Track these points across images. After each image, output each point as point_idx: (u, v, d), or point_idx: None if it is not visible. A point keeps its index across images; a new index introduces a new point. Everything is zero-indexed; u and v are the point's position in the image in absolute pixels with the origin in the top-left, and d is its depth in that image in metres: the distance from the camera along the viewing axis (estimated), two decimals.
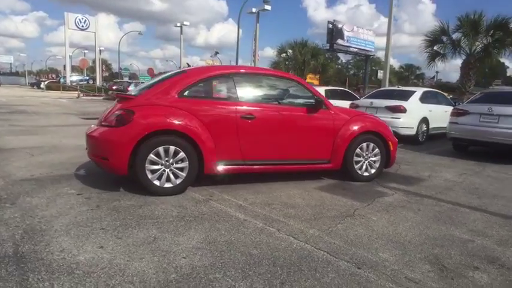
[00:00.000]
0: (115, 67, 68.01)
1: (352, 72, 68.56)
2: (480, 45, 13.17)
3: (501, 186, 4.63)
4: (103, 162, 3.60)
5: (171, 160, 3.62)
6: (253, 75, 4.25)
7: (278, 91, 4.34)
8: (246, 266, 2.25)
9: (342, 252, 2.50)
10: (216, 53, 30.67)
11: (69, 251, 2.38)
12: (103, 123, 3.70)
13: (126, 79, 35.40)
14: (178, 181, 3.66)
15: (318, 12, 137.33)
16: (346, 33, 45.99)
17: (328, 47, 34.24)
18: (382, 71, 48.30)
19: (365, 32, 50.24)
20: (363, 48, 44.42)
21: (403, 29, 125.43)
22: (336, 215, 3.25)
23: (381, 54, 46.58)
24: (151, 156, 3.54)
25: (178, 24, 27.35)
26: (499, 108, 6.13)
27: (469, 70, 13.59)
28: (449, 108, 9.22)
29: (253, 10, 20.01)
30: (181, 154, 3.63)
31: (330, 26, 46.09)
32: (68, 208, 3.20)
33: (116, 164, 3.53)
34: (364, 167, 4.50)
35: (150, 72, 34.22)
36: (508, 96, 6.63)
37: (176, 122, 3.61)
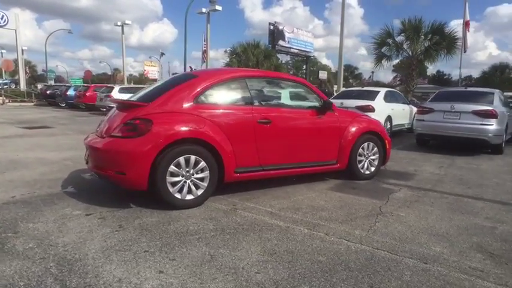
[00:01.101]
0: (38, 69, 61.86)
1: (291, 72, 71.11)
2: (421, 48, 14.62)
3: (478, 176, 5.18)
4: (118, 177, 3.26)
5: (192, 170, 3.42)
6: (264, 78, 4.20)
7: (288, 94, 4.35)
8: (325, 274, 2.23)
9: (400, 250, 2.60)
10: (162, 54, 29.55)
11: (129, 281, 2.12)
12: (113, 134, 3.35)
13: (51, 82, 32.13)
14: (199, 192, 3.47)
15: (255, 13, 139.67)
16: (287, 35, 47.48)
17: (270, 48, 35.09)
18: (323, 72, 50.59)
19: (304, 33, 52.36)
20: (303, 49, 46.27)
21: (335, 31, 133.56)
22: (367, 214, 3.36)
23: (317, 55, 48.59)
24: (172, 167, 3.31)
25: (119, 23, 25.78)
26: (460, 105, 6.88)
27: (412, 71, 15.04)
28: (406, 107, 10.08)
29: (203, 10, 19.67)
30: (202, 163, 3.44)
31: (271, 27, 47.17)
32: (88, 232, 2.85)
33: (135, 178, 3.23)
34: (365, 165, 4.71)
35: (88, 75, 31.55)
36: (465, 95, 7.48)
37: (197, 129, 3.42)
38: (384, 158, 4.91)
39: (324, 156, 4.37)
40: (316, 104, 4.33)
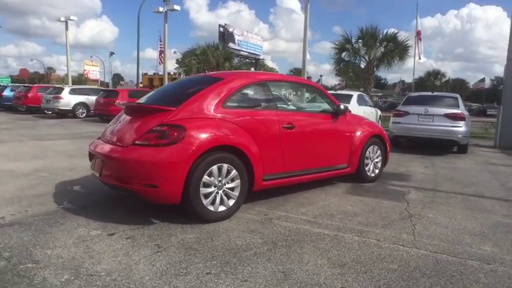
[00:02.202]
0: None
1: None
2: (376, 54, 15.58)
3: (463, 175, 5.60)
4: (148, 190, 2.90)
5: (224, 180, 3.19)
6: (284, 83, 4.08)
7: (306, 98, 4.28)
8: (409, 283, 2.19)
9: (456, 252, 2.66)
10: (112, 53, 27.60)
11: None
12: (138, 142, 2.98)
13: None
14: (231, 203, 3.25)
15: (201, 15, 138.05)
16: (237, 37, 47.71)
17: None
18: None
19: (254, 36, 52.99)
20: (252, 52, 46.80)
21: (280, 35, 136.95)
22: (400, 218, 3.41)
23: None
24: (206, 177, 3.05)
25: (63, 19, 23.52)
26: (433, 109, 7.43)
27: (369, 75, 15.97)
28: (373, 109, 10.63)
29: (161, 9, 18.80)
30: (234, 172, 3.23)
31: (221, 29, 47.06)
32: (125, 255, 2.50)
33: (168, 191, 2.91)
34: (371, 168, 4.83)
35: (24, 74, 28.16)
36: (433, 99, 8.10)
37: (230, 136, 3.20)
38: (385, 161, 5.08)
39: (337, 160, 4.38)
40: (330, 108, 4.33)
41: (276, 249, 2.64)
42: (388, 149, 5.10)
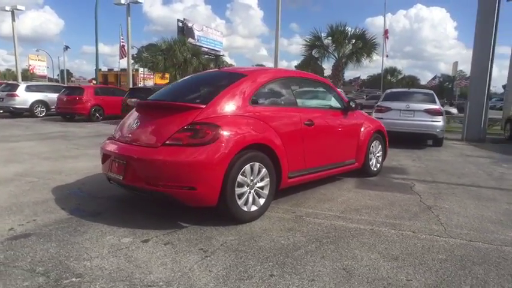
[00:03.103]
0: None
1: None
2: (345, 51, 16.11)
3: (451, 166, 5.95)
4: (185, 193, 2.74)
5: (255, 179, 3.11)
6: (300, 79, 4.05)
7: (320, 95, 4.29)
8: (465, 272, 2.28)
9: (488, 239, 2.82)
10: (66, 47, 25.59)
11: None
12: (170, 142, 2.80)
13: None
14: (261, 202, 3.19)
15: (155, 8, 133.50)
16: (196, 33, 46.79)
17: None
18: None
19: (214, 32, 52.27)
20: (212, 48, 46.13)
21: (237, 31, 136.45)
22: (420, 209, 3.55)
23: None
24: (240, 177, 2.96)
25: (8, 8, 21.45)
26: (414, 105, 7.83)
27: (338, 72, 16.47)
28: None
29: (122, 1, 17.82)
30: (264, 171, 3.17)
31: (180, 24, 45.90)
32: (174, 262, 2.36)
33: (207, 193, 2.77)
34: (373, 162, 4.98)
35: None
36: (410, 95, 8.55)
37: (261, 134, 3.13)
38: (384, 155, 5.27)
39: (347, 156, 4.46)
40: (340, 104, 4.39)
41: (323, 247, 2.63)
42: (387, 144, 5.29)
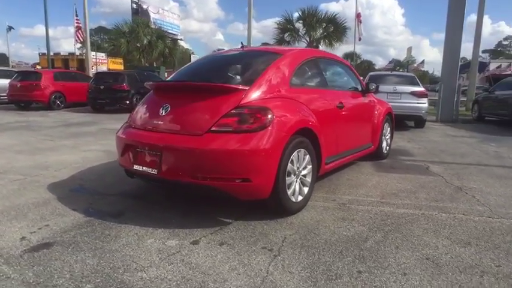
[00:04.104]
0: None
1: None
2: (316, 35, 16.07)
3: (447, 147, 6.11)
4: (238, 186, 2.42)
5: (301, 167, 2.87)
6: (327, 60, 3.79)
7: (344, 76, 4.08)
8: None
9: None
10: (10, 28, 22.70)
11: None
12: (216, 129, 2.44)
13: None
14: (305, 191, 2.96)
15: None
16: (152, 15, 44.47)
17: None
18: (196, 55, 49.24)
19: (171, 15, 49.98)
20: (170, 31, 44.12)
21: (192, 15, 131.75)
22: (453, 191, 3.53)
23: None
24: (289, 165, 2.70)
25: None
26: (401, 87, 7.95)
27: None
28: None
29: None
30: (307, 157, 2.93)
31: (134, 6, 43.32)
32: (241, 265, 2.08)
33: (262, 184, 2.47)
34: (384, 145, 4.93)
35: None
36: (393, 77, 8.69)
37: (306, 118, 2.87)
38: (391, 137, 5.25)
39: (366, 139, 4.35)
40: (359, 87, 4.24)
41: (389, 236, 2.48)
42: (393, 126, 5.28)
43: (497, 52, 67.01)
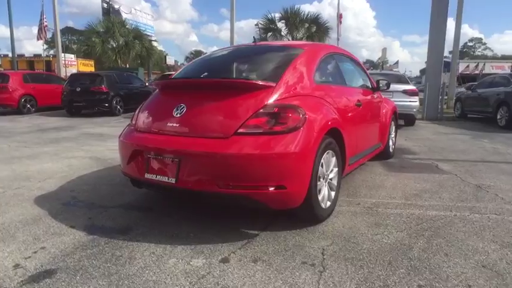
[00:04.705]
0: None
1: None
2: (300, 35, 15.99)
3: (446, 145, 6.07)
4: (272, 194, 2.13)
5: (328, 170, 2.64)
6: (342, 55, 3.57)
7: (357, 73, 3.88)
8: None
9: None
10: None
11: None
12: (242, 131, 2.15)
13: None
14: (332, 195, 2.73)
15: None
16: (124, 15, 43.07)
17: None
18: (170, 57, 48.11)
19: (144, 15, 48.61)
20: (143, 32, 42.95)
21: (165, 16, 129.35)
22: (475, 190, 3.41)
23: None
24: (320, 168, 2.46)
25: None
26: (393, 86, 7.88)
27: None
28: None
29: None
30: (334, 159, 2.70)
31: (105, 5, 41.85)
32: (288, 285, 1.81)
33: (297, 191, 2.21)
34: (390, 144, 4.80)
35: None
36: (388, 76, 8.65)
37: (335, 117, 2.64)
38: (395, 136, 5.14)
39: (377, 138, 4.18)
40: (370, 84, 4.07)
41: (433, 242, 2.29)
42: (397, 124, 5.18)
43: (462, 53, 70.31)
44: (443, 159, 4.81)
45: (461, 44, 11.77)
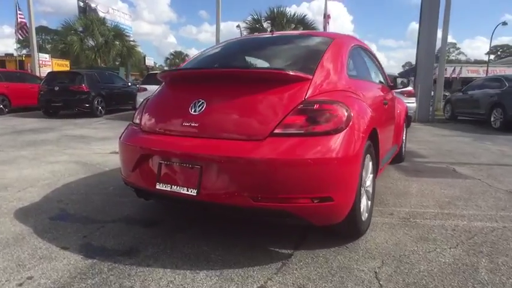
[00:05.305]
0: None
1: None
2: None
3: (451, 147, 5.89)
4: (314, 208, 1.77)
5: (366, 177, 2.30)
6: (364, 49, 3.24)
7: (377, 69, 3.56)
8: None
9: None
10: None
11: None
12: (279, 132, 1.78)
13: None
14: (369, 205, 2.40)
15: None
16: (101, 15, 41.81)
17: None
18: (149, 58, 47.31)
19: (122, 15, 47.37)
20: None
21: (142, 17, 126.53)
22: (505, 195, 3.18)
23: None
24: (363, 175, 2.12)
25: None
26: None
27: None
28: None
29: None
30: (370, 164, 2.38)
31: (81, 4, 40.49)
32: None
33: (343, 204, 1.86)
34: (403, 146, 4.55)
35: None
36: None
37: (374, 116, 2.31)
38: (406, 138, 4.89)
39: (394, 140, 3.89)
40: (386, 82, 3.78)
41: (496, 260, 1.99)
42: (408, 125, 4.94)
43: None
44: (457, 163, 4.59)
45: (437, 48, 11.90)
